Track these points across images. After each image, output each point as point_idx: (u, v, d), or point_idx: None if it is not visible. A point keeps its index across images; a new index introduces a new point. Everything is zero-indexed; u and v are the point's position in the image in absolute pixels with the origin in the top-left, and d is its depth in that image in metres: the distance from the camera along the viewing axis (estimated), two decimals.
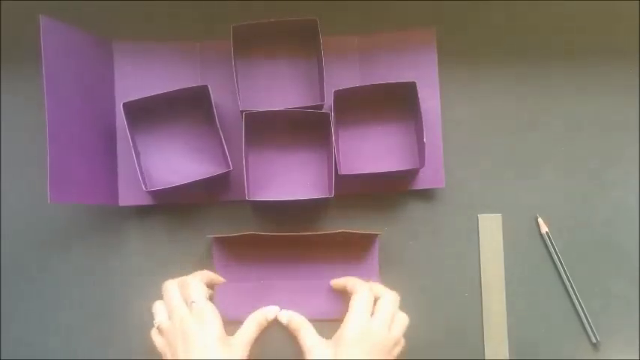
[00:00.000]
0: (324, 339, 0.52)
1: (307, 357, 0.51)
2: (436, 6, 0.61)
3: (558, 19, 0.62)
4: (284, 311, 0.55)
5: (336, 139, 0.58)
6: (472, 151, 0.61)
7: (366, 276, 0.57)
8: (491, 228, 0.60)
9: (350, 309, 0.51)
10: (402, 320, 0.52)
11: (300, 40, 0.60)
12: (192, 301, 0.51)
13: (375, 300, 0.52)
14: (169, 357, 0.50)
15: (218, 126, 0.56)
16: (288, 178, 0.59)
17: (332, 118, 0.56)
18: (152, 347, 0.52)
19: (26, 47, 0.59)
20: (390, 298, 0.52)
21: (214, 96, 0.56)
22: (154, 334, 0.52)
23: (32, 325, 0.58)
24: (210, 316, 0.50)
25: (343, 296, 0.56)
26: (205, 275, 0.56)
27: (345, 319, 0.51)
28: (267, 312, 0.55)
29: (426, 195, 0.60)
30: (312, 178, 0.59)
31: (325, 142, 0.59)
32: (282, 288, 0.57)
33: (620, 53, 0.62)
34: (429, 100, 0.60)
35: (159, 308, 0.53)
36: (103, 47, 0.59)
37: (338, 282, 0.56)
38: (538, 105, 0.61)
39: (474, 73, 0.61)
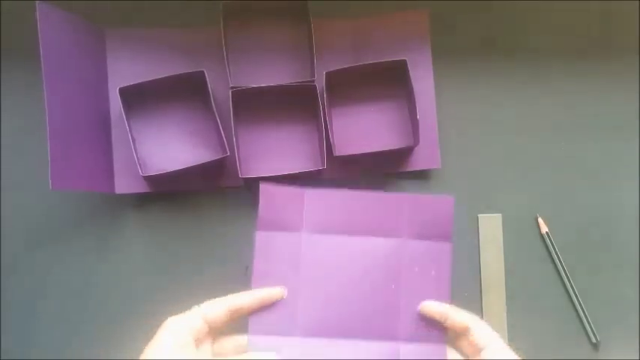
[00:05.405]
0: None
1: None
2: None
3: (558, 19, 0.62)
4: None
5: (330, 121, 0.58)
6: (472, 151, 0.61)
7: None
8: (491, 228, 0.60)
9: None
10: None
11: (291, 19, 0.60)
12: None
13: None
14: None
15: (215, 111, 0.55)
16: (281, 155, 0.59)
17: (324, 96, 0.56)
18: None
19: (22, 39, 0.58)
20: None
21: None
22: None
23: (31, 314, 0.58)
24: None
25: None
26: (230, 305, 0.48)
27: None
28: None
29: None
30: (305, 153, 0.59)
31: (315, 115, 0.59)
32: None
33: (620, 53, 0.62)
34: (423, 80, 0.60)
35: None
36: (95, 35, 0.59)
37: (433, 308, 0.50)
38: (538, 105, 0.61)
39: (474, 75, 0.61)
